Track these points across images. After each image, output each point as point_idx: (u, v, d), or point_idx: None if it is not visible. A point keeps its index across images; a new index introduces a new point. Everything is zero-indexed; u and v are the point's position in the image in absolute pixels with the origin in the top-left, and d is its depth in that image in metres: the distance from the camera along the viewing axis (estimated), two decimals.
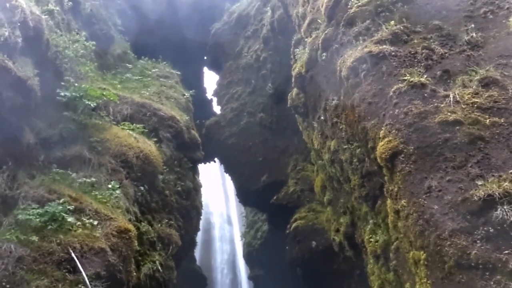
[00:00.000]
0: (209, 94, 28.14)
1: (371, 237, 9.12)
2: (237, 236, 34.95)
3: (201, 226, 20.87)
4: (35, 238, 9.63)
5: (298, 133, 18.30)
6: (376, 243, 8.81)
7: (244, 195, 22.79)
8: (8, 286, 8.84)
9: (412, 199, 6.92)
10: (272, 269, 25.19)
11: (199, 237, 25.16)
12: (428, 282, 6.44)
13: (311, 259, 16.93)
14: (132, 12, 22.73)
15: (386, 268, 8.51)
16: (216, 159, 25.33)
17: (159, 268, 12.54)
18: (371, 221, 9.36)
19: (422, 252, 6.63)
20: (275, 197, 19.53)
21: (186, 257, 18.49)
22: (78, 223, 10.67)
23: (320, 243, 16.74)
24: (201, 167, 22.60)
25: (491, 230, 5.96)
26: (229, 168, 23.12)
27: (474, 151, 6.78)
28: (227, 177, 32.59)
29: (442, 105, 7.44)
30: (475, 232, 6.06)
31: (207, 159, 24.06)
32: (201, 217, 18.47)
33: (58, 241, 10.04)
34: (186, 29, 26.44)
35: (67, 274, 9.90)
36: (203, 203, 18.69)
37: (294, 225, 17.90)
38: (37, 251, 9.63)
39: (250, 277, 28.60)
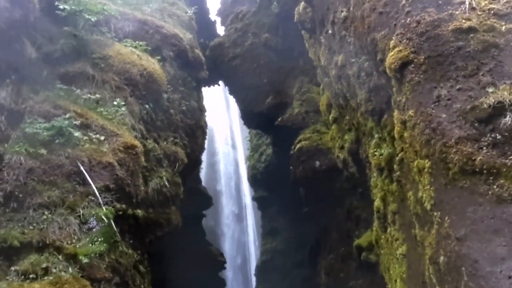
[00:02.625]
0: (213, 16, 27.28)
1: (375, 151, 9.19)
2: (241, 160, 35.57)
3: (205, 149, 21.16)
4: (43, 151, 9.78)
5: (304, 54, 17.88)
6: (381, 156, 8.89)
7: (249, 118, 22.82)
8: (21, 195, 9.13)
9: (420, 109, 6.85)
10: (276, 190, 25.87)
11: (204, 160, 25.65)
12: (431, 188, 6.55)
13: (314, 179, 17.28)
14: None
15: (390, 179, 8.66)
16: (220, 82, 25.07)
17: (166, 183, 12.86)
18: (376, 136, 9.38)
19: (426, 161, 6.68)
20: (279, 119, 19.55)
21: (192, 175, 18.87)
22: (85, 138, 10.79)
23: (323, 163, 17.00)
24: (205, 91, 22.46)
25: (498, 137, 5.96)
26: (233, 90, 22.94)
27: (487, 59, 6.60)
28: (231, 102, 32.55)
29: (457, 12, 7.13)
30: (482, 139, 6.06)
31: (211, 82, 23.81)
32: (206, 137, 18.62)
33: (66, 154, 10.21)
34: None
35: (77, 186, 10.18)
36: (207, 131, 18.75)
37: (298, 146, 18.08)
38: (46, 164, 9.83)
39: (254, 198, 29.47)
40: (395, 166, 8.27)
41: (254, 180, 28.51)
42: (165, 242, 15.50)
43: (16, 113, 9.97)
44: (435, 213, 6.47)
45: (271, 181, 26.02)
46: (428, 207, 6.66)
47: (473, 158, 6.00)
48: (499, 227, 5.53)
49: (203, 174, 29.33)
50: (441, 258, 6.27)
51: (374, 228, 10.22)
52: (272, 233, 27.34)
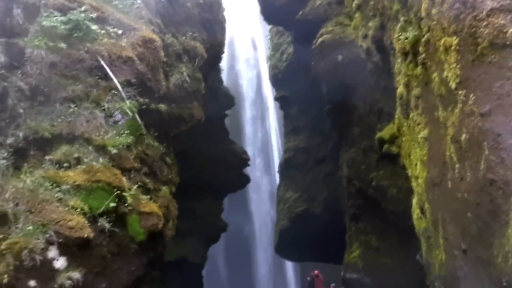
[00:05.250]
0: None
1: (400, 35, 8.79)
2: (262, 60, 34.97)
3: (225, 50, 20.66)
4: (63, 45, 9.77)
5: None
6: (406, 40, 8.51)
7: (269, 12, 21.94)
8: (46, 89, 9.31)
9: None
10: (297, 89, 25.66)
11: (224, 62, 25.20)
12: (458, 66, 6.33)
13: (336, 72, 16.94)
14: None
15: (414, 64, 8.38)
16: None
17: (187, 79, 12.87)
18: (402, 19, 8.92)
19: (454, 37, 6.38)
20: (301, 12, 18.75)
21: (213, 72, 18.76)
22: (103, 32, 10.68)
23: (346, 56, 16.55)
24: None
25: None
26: None
27: None
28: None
29: None
30: None
31: None
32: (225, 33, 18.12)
33: (86, 49, 10.20)
34: None
35: (99, 80, 10.30)
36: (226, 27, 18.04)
37: (320, 40, 17.51)
38: (67, 58, 9.87)
39: (276, 98, 29.42)
40: (420, 49, 7.94)
41: (275, 80, 28.25)
42: (190, 141, 15.92)
43: (31, 6, 9.81)
44: (460, 92, 6.32)
45: (293, 80, 25.72)
46: (453, 86, 6.50)
47: (505, 30, 5.69)
48: None
49: (224, 74, 29.09)
50: (463, 136, 6.25)
51: (396, 116, 10.15)
52: (294, 131, 27.62)
